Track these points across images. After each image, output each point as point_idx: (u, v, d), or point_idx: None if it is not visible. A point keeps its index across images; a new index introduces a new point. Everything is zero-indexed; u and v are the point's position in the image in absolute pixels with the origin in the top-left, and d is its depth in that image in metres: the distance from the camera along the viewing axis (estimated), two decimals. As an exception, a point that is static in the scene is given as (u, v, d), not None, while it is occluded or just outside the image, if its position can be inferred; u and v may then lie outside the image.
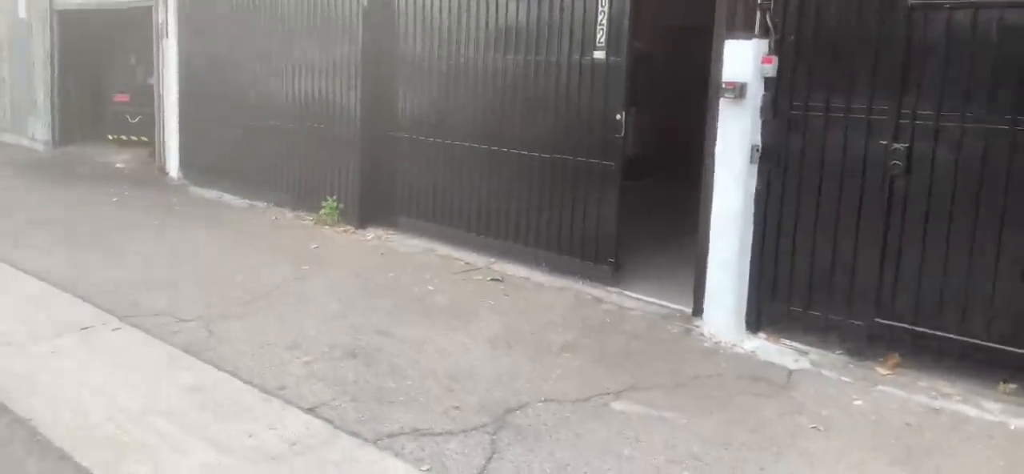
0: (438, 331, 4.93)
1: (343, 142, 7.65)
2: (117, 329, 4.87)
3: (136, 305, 5.27)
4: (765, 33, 4.76)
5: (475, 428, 3.76)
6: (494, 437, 3.68)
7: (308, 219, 7.89)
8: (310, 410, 3.89)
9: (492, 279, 6.06)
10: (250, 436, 3.65)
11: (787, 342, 4.81)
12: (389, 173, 7.45)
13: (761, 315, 4.95)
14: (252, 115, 8.69)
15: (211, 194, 9.12)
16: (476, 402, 3.99)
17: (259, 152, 8.65)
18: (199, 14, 9.31)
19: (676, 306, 5.45)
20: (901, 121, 4.32)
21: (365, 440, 3.64)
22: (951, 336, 4.26)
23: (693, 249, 6.64)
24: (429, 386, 4.17)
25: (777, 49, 4.70)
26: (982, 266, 4.16)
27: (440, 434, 3.70)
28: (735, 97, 4.71)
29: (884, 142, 4.37)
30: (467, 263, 6.49)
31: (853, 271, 4.56)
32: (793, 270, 4.79)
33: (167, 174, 10.07)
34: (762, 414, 3.93)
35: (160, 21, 9.84)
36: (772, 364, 4.56)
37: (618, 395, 4.10)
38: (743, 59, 4.70)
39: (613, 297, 5.68)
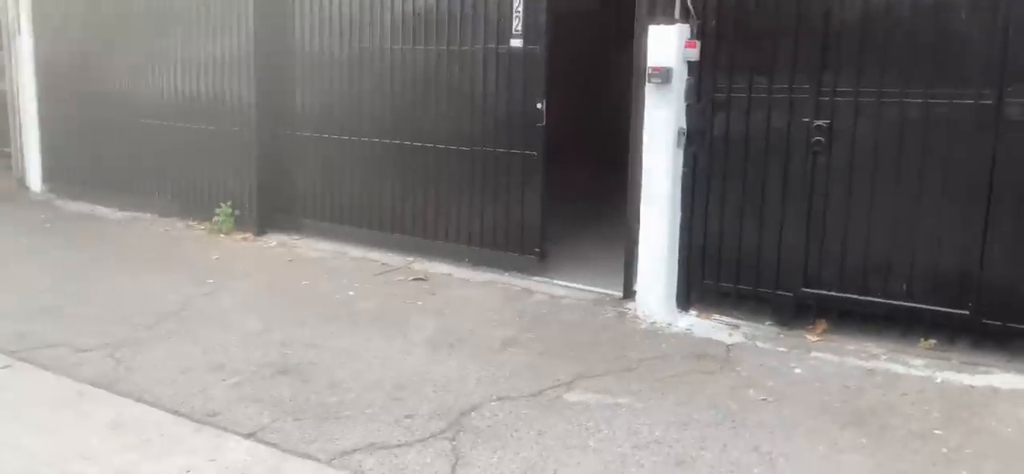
0: (371, 339, 4.70)
1: (237, 143, 7.19)
2: (6, 368, 4.33)
3: (22, 338, 4.72)
4: (686, 17, 4.82)
5: (433, 436, 3.59)
6: (454, 442, 3.53)
7: (201, 228, 7.37)
8: (250, 435, 3.59)
9: (415, 278, 5.86)
10: (188, 471, 3.32)
11: (718, 318, 4.92)
12: (289, 175, 7.07)
13: (691, 293, 5.03)
14: (128, 117, 8.01)
15: (84, 207, 8.35)
16: (428, 409, 3.82)
17: (139, 158, 8.00)
18: (58, 7, 8.48)
19: (604, 291, 5.46)
20: (821, 99, 4.48)
21: (319, 461, 3.39)
22: (876, 299, 4.48)
23: (613, 233, 6.74)
24: (374, 397, 3.95)
25: (699, 33, 4.76)
26: (902, 233, 4.39)
27: (397, 446, 3.50)
28: (661, 83, 4.74)
29: (806, 119, 4.53)
30: (384, 264, 6.25)
31: (780, 245, 4.71)
32: (722, 248, 4.89)
33: (28, 188, 9.13)
34: (712, 390, 3.98)
35: (10, 17, 8.90)
36: (709, 340, 4.64)
37: (570, 386, 4.04)
38: (667, 44, 4.73)
39: (542, 287, 5.63)
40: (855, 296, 4.53)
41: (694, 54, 4.74)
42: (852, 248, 4.52)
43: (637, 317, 5.03)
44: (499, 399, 3.91)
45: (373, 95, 6.44)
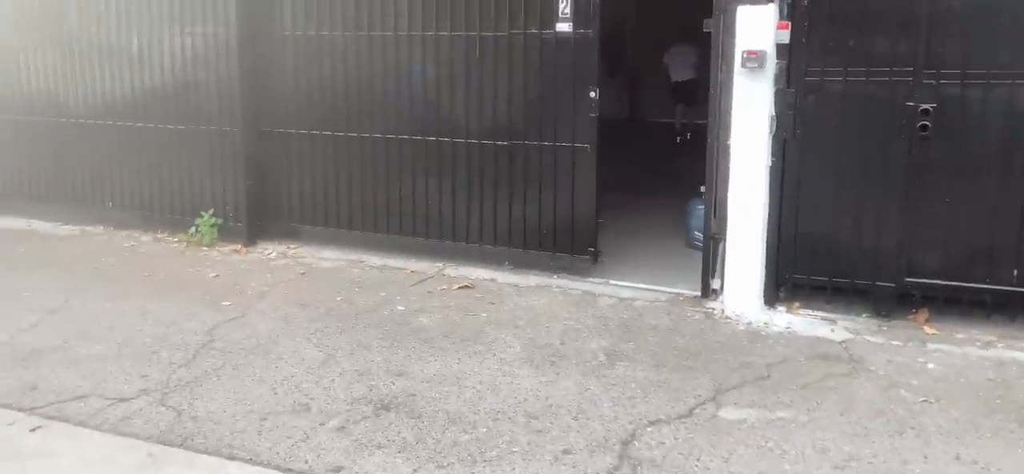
0: (458, 360, 4.17)
1: (219, 143, 6.35)
2: (38, 429, 3.52)
3: (35, 389, 3.88)
4: (770, -3, 4.56)
5: (607, 472, 3.15)
6: (632, 479, 3.12)
7: (175, 242, 6.48)
8: (395, 492, 3.04)
9: (460, 287, 5.32)
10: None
11: (811, 313, 4.71)
12: (282, 177, 6.31)
13: (780, 289, 4.80)
14: (65, 119, 6.96)
15: (16, 223, 7.19)
16: (582, 442, 3.37)
17: (81, 165, 6.97)
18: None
19: (673, 290, 5.15)
20: (925, 81, 4.33)
21: (494, 517, 2.90)
22: (985, 286, 4.39)
23: (660, 227, 6.53)
24: (511, 431, 3.46)
25: (790, 14, 4.50)
26: (1011, 217, 4.30)
27: (571, 489, 3.05)
28: (756, 67, 4.45)
29: (910, 104, 4.36)
30: (414, 271, 5.66)
31: (879, 235, 4.55)
32: (814, 239, 4.68)
33: (-67, 203, 7.81)
34: (863, 394, 3.75)
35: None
36: (817, 338, 4.41)
37: (716, 402, 3.70)
38: (761, 26, 4.45)
39: (604, 290, 5.24)
40: (962, 283, 4.42)
41: (785, 36, 4.48)
42: (958, 235, 4.41)
43: (728, 318, 4.73)
44: (651, 424, 3.52)
45: (389, 87, 5.82)
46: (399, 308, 4.97)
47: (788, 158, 4.64)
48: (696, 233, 6.04)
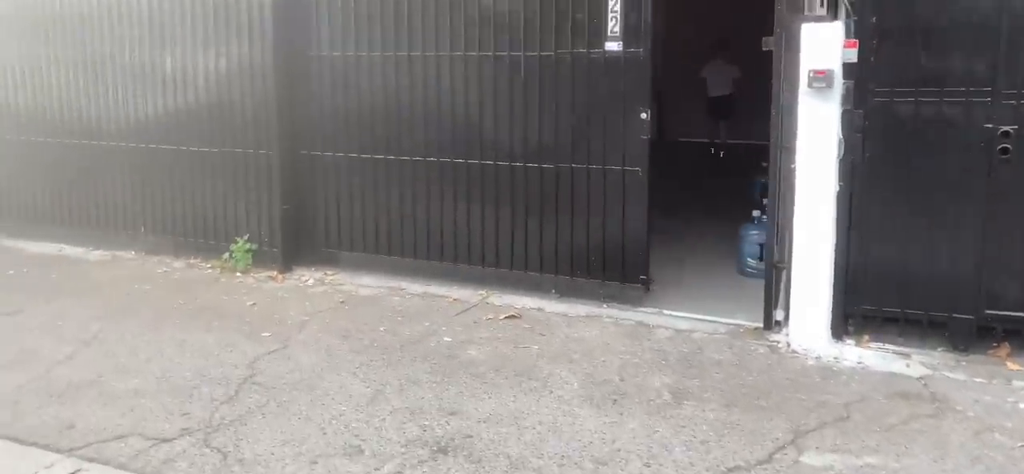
0: (515, 398, 3.95)
1: (253, 166, 6.19)
2: (78, 473, 3.33)
3: (73, 428, 3.70)
4: (836, 12, 4.34)
5: (687, 528, 2.92)
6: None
7: (208, 268, 6.32)
8: (460, 548, 2.82)
9: (507, 317, 5.11)
10: None
11: (881, 346, 4.46)
12: (317, 201, 6.14)
13: (848, 321, 4.55)
14: (104, 138, 6.83)
15: (48, 248, 7.07)
16: (658, 490, 3.15)
17: (116, 187, 6.84)
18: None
19: (732, 321, 4.91)
20: (1005, 100, 4.09)
21: None
22: (1073, 320, 4.13)
23: (710, 253, 6.31)
24: (579, 478, 3.24)
25: (857, 31, 4.28)
26: (1101, 245, 4.05)
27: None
28: (823, 87, 4.23)
29: (988, 125, 4.12)
30: (457, 300, 5.46)
31: (956, 264, 4.29)
32: (885, 269, 4.43)
33: (-37, 227, 7.72)
34: (954, 439, 3.49)
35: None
36: (893, 374, 4.16)
37: (797, 446, 3.45)
38: (828, 44, 4.22)
39: (658, 320, 5.01)
40: (1048, 315, 4.16)
41: (853, 54, 4.26)
42: (1043, 264, 4.16)
43: (795, 352, 4.49)
44: (730, 471, 3.28)
45: (430, 108, 5.64)
46: (445, 339, 4.76)
47: (856, 183, 4.41)
48: (749, 261, 5.82)
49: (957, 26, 4.14)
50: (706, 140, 12.04)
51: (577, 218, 5.29)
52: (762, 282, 4.83)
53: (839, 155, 4.36)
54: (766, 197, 7.46)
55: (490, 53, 5.37)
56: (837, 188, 4.40)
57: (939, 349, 4.39)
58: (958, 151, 4.21)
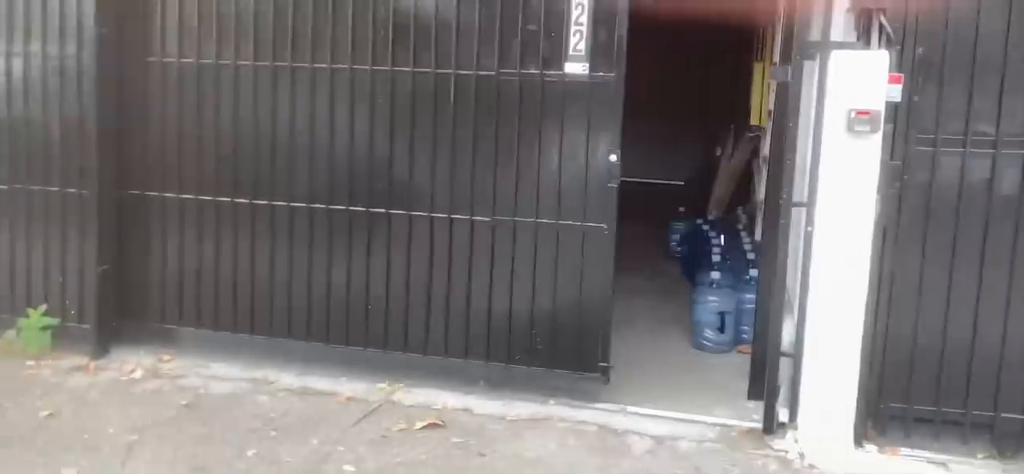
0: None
1: (59, 208, 4.42)
2: None
3: None
4: (866, 40, 3.47)
5: None
6: None
7: (-20, 349, 4.45)
8: None
9: (427, 425, 3.76)
10: None
11: (913, 453, 3.58)
12: (152, 258, 4.48)
13: (869, 422, 3.64)
14: None
15: None
16: None
17: None
18: None
19: (717, 420, 3.90)
20: (1073, 154, 3.37)
21: None
22: None
23: (650, 317, 5.30)
24: None
25: (898, 64, 3.42)
26: None
27: None
28: (867, 131, 3.31)
29: (1054, 183, 3.38)
30: (350, 397, 4.04)
31: (1004, 354, 3.50)
32: (918, 358, 3.57)
33: None
34: None
35: None
36: (942, 496, 3.26)
37: None
38: (874, 79, 3.31)
39: (626, 422, 3.86)
40: (1114, 418, 3.44)
41: (896, 92, 3.39)
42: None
43: (813, 466, 3.49)
44: None
45: (317, 137, 4.21)
46: (345, 468, 3.33)
47: (889, 250, 3.52)
48: (707, 334, 4.85)
49: (1018, 60, 3.38)
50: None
51: (519, 287, 4.06)
52: (724, 359, 4.09)
53: (876, 216, 3.45)
54: (684, 243, 6.84)
55: (407, 69, 4.06)
56: (869, 250, 3.48)
57: (979, 455, 3.57)
58: (1013, 216, 3.43)
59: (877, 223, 3.47)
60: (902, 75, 3.38)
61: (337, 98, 4.16)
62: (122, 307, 4.52)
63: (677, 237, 6.97)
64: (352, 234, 4.22)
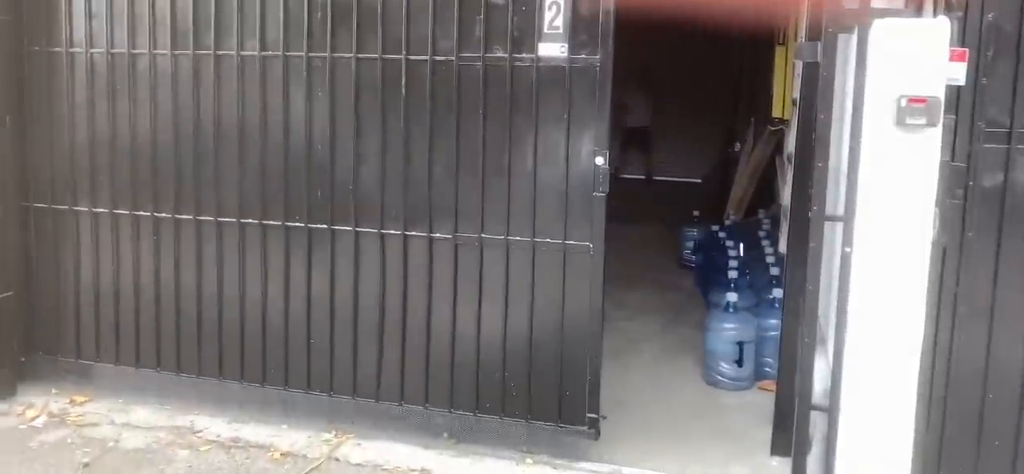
0: None
1: (-50, 229, 3.79)
2: None
3: None
4: (918, 6, 2.70)
5: None
6: None
7: None
8: None
9: (375, 491, 3.06)
10: None
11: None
12: (61, 284, 3.83)
13: (928, 493, 2.87)
14: None
15: None
16: None
17: None
18: None
19: (734, 486, 3.13)
20: None
21: None
22: None
23: (653, 344, 4.60)
24: None
25: (961, 37, 2.64)
26: None
27: None
28: (922, 124, 2.53)
29: None
30: (287, 452, 3.35)
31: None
32: (994, 411, 2.79)
33: None
34: None
35: None
36: None
37: None
38: (931, 55, 2.53)
39: (620, 487, 3.14)
40: None
41: (960, 73, 2.60)
42: None
43: (856, 553, 2.73)
44: None
45: (248, 139, 3.51)
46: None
47: (948, 277, 2.75)
48: (723, 367, 4.10)
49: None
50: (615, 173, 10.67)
51: (488, 319, 3.33)
52: (742, 398, 3.65)
53: (934, 232, 2.67)
54: (698, 252, 6.09)
55: (349, 54, 3.34)
56: (925, 270, 2.70)
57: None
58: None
59: (936, 242, 2.69)
60: (967, 50, 2.60)
61: (269, 91, 3.46)
62: (31, 340, 3.88)
63: (690, 245, 6.20)
64: (290, 254, 3.52)
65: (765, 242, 5.29)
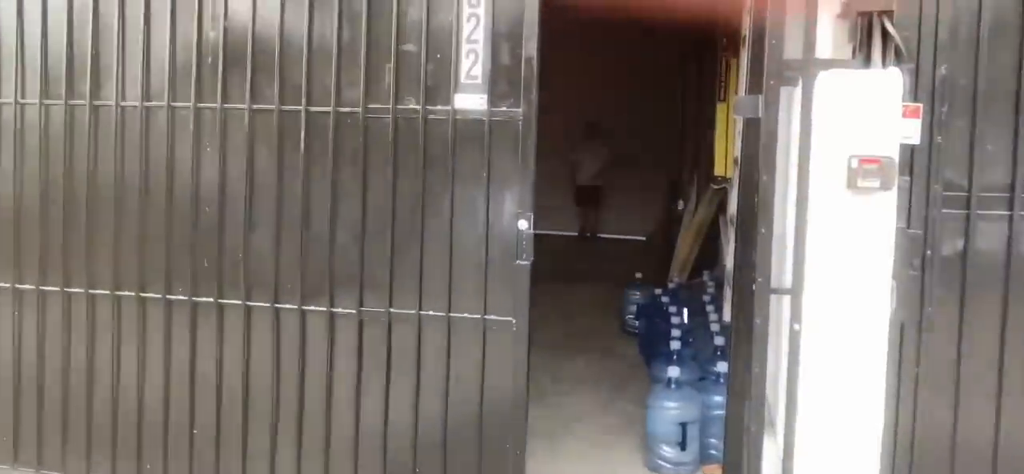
0: None
1: None
2: None
3: None
4: (865, 58, 2.45)
5: None
6: None
7: None
8: None
9: None
10: None
11: None
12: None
13: None
14: None
15: None
16: None
17: None
18: None
19: None
20: None
21: None
22: None
23: (586, 418, 4.24)
24: None
25: (914, 92, 2.40)
26: None
27: None
28: (875, 187, 2.25)
29: None
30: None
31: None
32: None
33: None
34: None
35: None
36: None
37: None
38: (885, 109, 2.27)
39: None
40: None
41: (914, 131, 2.35)
42: None
43: None
44: None
45: (119, 199, 3.08)
46: None
47: (908, 357, 2.46)
48: (664, 451, 3.74)
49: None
50: (562, 232, 10.48)
51: (397, 407, 2.92)
52: None
53: (891, 308, 2.38)
54: (641, 317, 5.79)
55: (242, 106, 2.96)
56: (881, 355, 2.40)
57: None
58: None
59: (893, 318, 2.40)
60: (920, 105, 2.35)
61: (152, 146, 3.05)
62: None
63: (634, 309, 5.89)
64: (172, 331, 3.07)
65: (710, 308, 5.00)
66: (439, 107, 2.83)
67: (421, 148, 2.84)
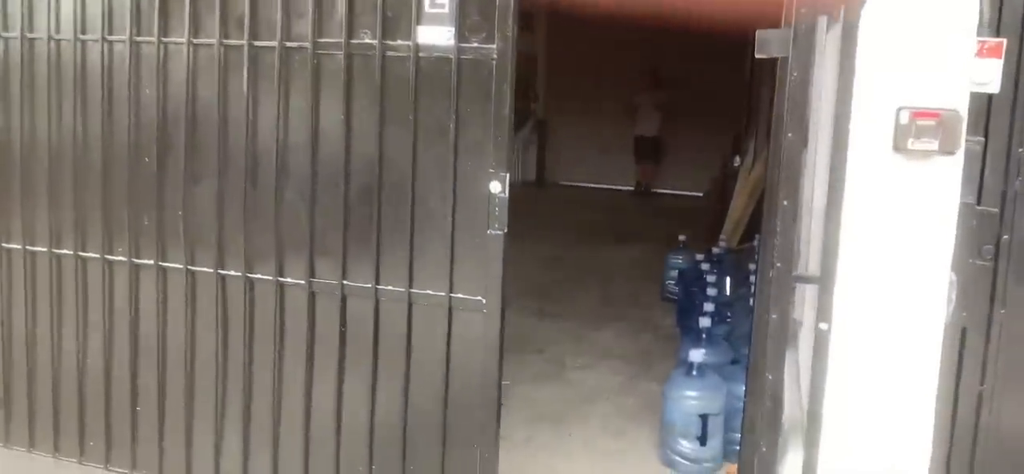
0: None
1: None
2: None
3: None
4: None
5: None
6: None
7: None
8: None
9: None
10: None
11: None
12: None
13: None
14: None
15: None
16: None
17: None
18: None
19: None
20: None
21: None
22: None
23: (602, 406, 3.82)
24: None
25: (996, 22, 1.79)
26: None
27: None
28: (932, 149, 1.68)
29: None
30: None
31: None
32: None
33: None
34: None
35: None
36: None
37: None
38: (946, 47, 1.68)
39: None
40: None
41: (994, 75, 1.75)
42: None
43: None
44: None
45: (59, 148, 2.74)
46: None
47: (970, 370, 1.90)
48: (682, 445, 3.27)
49: None
50: (616, 187, 10.01)
51: (352, 395, 2.52)
52: None
53: (949, 309, 1.82)
54: (681, 284, 5.24)
55: (181, 40, 2.55)
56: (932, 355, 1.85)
57: None
58: None
59: (950, 320, 1.84)
60: (1002, 41, 1.75)
61: (88, 86, 2.68)
62: None
63: (674, 275, 5.34)
64: (113, 293, 2.74)
65: (755, 278, 4.42)
66: (399, 42, 2.35)
67: (377, 90, 2.38)
